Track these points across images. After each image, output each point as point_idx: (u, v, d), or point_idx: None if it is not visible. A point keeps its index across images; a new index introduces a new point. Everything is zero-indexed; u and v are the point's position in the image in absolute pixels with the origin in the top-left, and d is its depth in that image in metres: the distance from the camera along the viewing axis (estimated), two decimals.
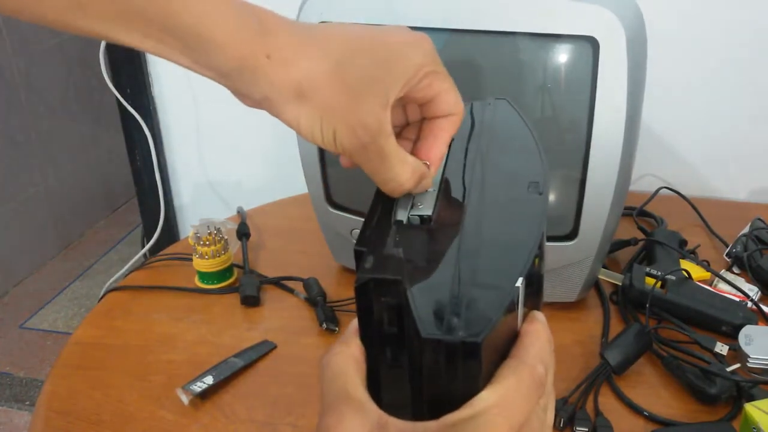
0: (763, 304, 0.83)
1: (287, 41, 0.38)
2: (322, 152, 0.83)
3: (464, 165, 0.45)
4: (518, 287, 0.34)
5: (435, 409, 0.33)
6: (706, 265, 0.90)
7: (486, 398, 0.32)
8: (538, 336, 0.37)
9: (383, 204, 0.41)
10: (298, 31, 0.39)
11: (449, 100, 0.42)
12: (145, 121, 1.39)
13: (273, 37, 0.37)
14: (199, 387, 0.73)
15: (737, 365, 0.72)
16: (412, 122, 0.44)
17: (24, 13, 0.36)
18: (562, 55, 0.72)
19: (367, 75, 0.38)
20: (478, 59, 0.75)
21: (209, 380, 0.74)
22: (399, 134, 0.44)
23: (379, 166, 0.40)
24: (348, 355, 0.35)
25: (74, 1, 0.35)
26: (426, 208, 0.40)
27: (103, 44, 1.35)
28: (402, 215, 0.40)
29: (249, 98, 0.39)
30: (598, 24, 0.69)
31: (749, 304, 0.82)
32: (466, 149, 0.46)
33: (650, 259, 0.91)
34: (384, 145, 0.39)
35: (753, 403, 0.63)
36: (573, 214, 0.76)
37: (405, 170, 0.40)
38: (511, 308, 0.34)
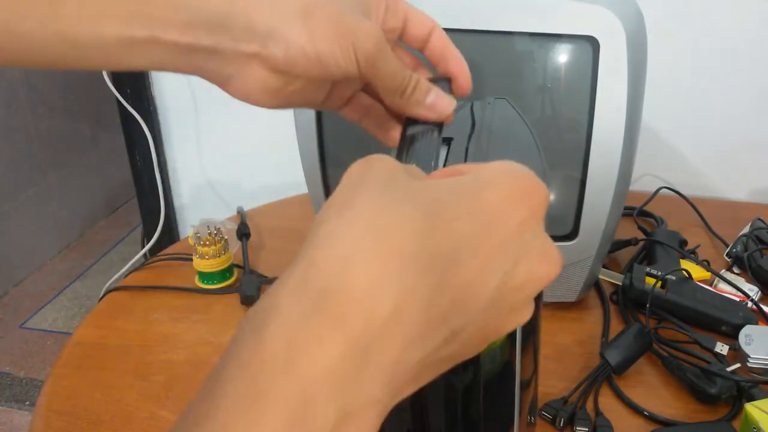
0: (763, 304, 0.83)
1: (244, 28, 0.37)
2: (322, 152, 0.83)
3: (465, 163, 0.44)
4: None
5: (434, 411, 0.33)
6: (706, 265, 0.90)
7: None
8: None
9: None
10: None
11: (419, 17, 0.43)
12: (145, 121, 1.39)
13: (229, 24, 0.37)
14: None
15: (737, 365, 0.72)
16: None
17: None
18: (562, 55, 0.72)
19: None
20: (478, 59, 0.75)
21: None
22: None
23: (398, 71, 0.40)
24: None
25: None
26: None
27: None
28: None
29: (248, 44, 0.37)
30: (598, 24, 0.69)
31: (749, 304, 0.82)
32: (466, 148, 0.46)
33: (650, 259, 0.91)
34: (391, 55, 0.40)
35: (753, 402, 0.63)
36: (573, 214, 0.76)
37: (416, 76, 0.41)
38: None
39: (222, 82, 0.39)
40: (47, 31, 0.35)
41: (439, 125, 0.42)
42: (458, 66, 0.44)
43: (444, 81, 0.44)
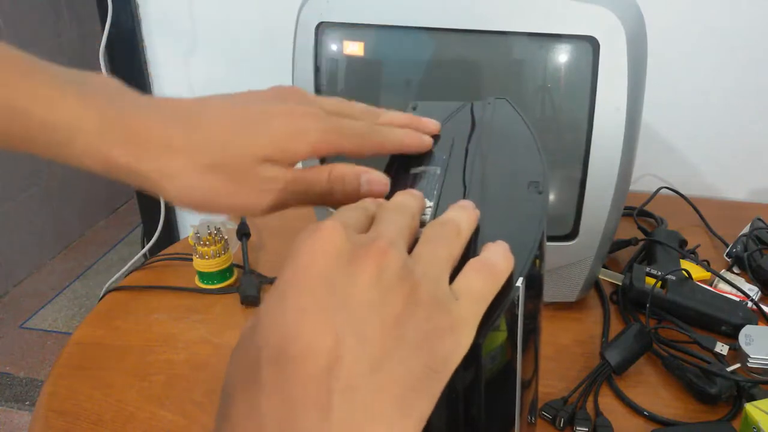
0: (763, 304, 0.83)
1: (158, 141, 0.39)
2: None
3: (464, 164, 0.45)
4: (518, 287, 0.34)
5: (435, 410, 0.33)
6: (706, 265, 0.90)
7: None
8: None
9: None
10: (172, 127, 0.40)
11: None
12: None
13: (143, 139, 0.39)
14: None
15: (737, 365, 0.72)
16: None
17: None
18: (562, 55, 0.72)
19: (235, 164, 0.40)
20: (478, 59, 0.75)
21: None
22: None
23: (313, 189, 0.44)
24: None
25: None
26: (427, 210, 0.40)
27: (103, 44, 1.35)
28: None
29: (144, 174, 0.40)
30: (598, 24, 0.69)
31: (749, 304, 0.82)
32: (466, 149, 0.46)
33: (650, 259, 0.91)
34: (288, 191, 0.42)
35: (753, 403, 0.63)
36: (573, 214, 0.76)
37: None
38: (512, 307, 0.34)
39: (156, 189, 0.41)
40: None
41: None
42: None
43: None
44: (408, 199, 0.36)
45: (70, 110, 0.38)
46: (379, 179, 0.42)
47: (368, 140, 0.44)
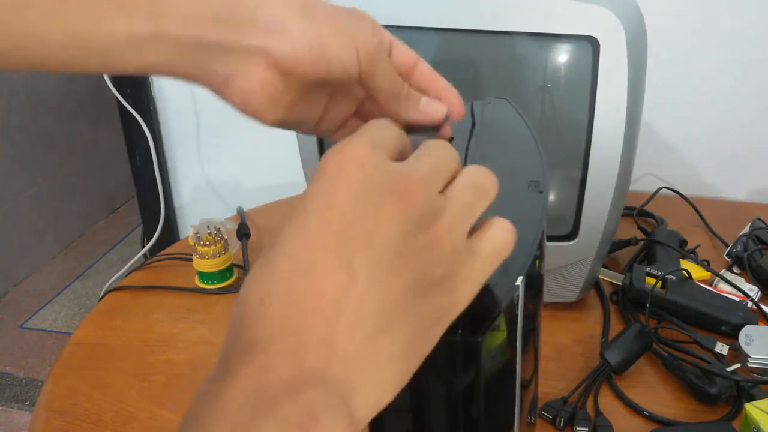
0: (763, 304, 0.83)
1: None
2: (322, 152, 0.83)
3: (464, 164, 0.45)
4: (518, 285, 0.34)
5: (435, 410, 0.33)
6: (706, 265, 0.90)
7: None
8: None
9: None
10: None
11: (403, 47, 0.43)
12: (145, 121, 1.39)
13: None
14: None
15: (737, 365, 0.72)
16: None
17: None
18: (562, 55, 0.72)
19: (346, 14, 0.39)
20: (478, 59, 0.75)
21: None
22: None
23: (395, 74, 0.40)
24: None
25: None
26: None
27: None
28: None
29: (254, 38, 0.36)
30: (598, 24, 0.69)
31: (749, 304, 0.82)
32: (467, 148, 0.46)
33: (650, 259, 0.91)
34: (386, 60, 0.40)
35: (753, 402, 0.63)
36: (573, 214, 0.76)
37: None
38: (511, 307, 0.34)
39: (222, 83, 0.39)
40: (47, 22, 0.34)
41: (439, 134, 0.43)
42: (449, 94, 0.43)
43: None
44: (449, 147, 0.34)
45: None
46: (438, 104, 0.42)
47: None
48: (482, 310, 0.32)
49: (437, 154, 0.30)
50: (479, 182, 0.31)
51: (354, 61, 0.38)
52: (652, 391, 0.72)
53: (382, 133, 0.31)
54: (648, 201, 1.07)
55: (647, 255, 0.93)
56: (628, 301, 0.84)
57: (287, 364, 0.25)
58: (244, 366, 0.25)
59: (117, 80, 1.39)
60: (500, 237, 0.31)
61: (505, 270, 0.34)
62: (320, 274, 0.26)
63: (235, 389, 0.25)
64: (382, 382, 0.27)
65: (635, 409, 0.70)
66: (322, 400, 0.25)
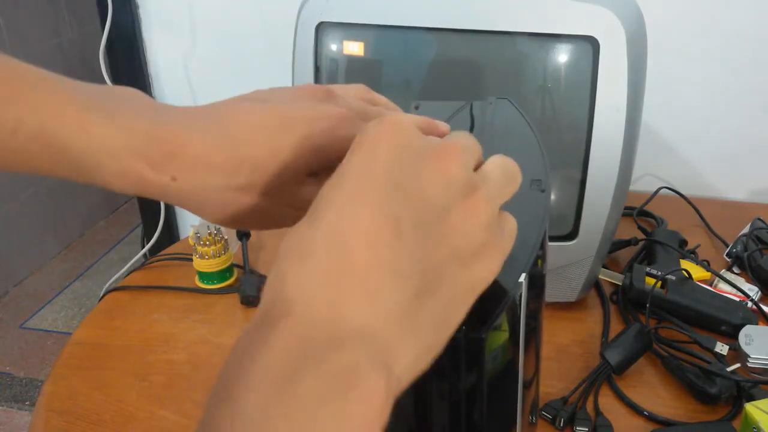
0: (763, 304, 0.83)
1: (194, 159, 0.37)
2: None
3: None
4: (521, 283, 0.34)
5: (437, 410, 0.33)
6: (706, 265, 0.90)
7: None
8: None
9: None
10: (207, 143, 0.37)
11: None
12: None
13: (179, 158, 0.36)
14: None
15: (737, 365, 0.72)
16: None
17: None
18: (562, 55, 0.72)
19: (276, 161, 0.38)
20: (478, 59, 0.75)
21: None
22: None
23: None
24: None
25: None
26: None
27: (103, 44, 1.35)
28: None
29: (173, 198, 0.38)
30: (598, 24, 0.69)
31: (749, 304, 0.82)
32: None
33: (650, 259, 0.91)
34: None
35: (753, 402, 0.63)
36: (573, 213, 0.76)
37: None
38: (514, 306, 0.34)
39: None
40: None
41: None
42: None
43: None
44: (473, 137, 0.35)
45: (99, 131, 0.36)
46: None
47: None
48: (486, 307, 0.32)
49: (465, 137, 0.31)
50: (509, 167, 0.32)
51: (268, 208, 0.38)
52: (652, 391, 0.72)
53: (412, 116, 0.32)
54: (648, 201, 1.07)
55: (647, 255, 0.93)
56: (628, 301, 0.84)
57: (329, 316, 0.25)
58: (286, 318, 0.25)
59: (117, 80, 1.39)
60: (513, 222, 0.32)
61: (508, 268, 0.34)
62: (366, 224, 0.25)
63: (277, 340, 0.24)
64: (419, 345, 0.27)
65: (635, 409, 0.70)
66: (363, 353, 0.24)
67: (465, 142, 0.30)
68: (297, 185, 0.38)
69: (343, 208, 0.26)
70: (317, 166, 0.38)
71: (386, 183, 0.26)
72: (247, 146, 0.37)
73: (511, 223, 0.31)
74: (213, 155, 0.37)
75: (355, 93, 0.43)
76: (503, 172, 0.31)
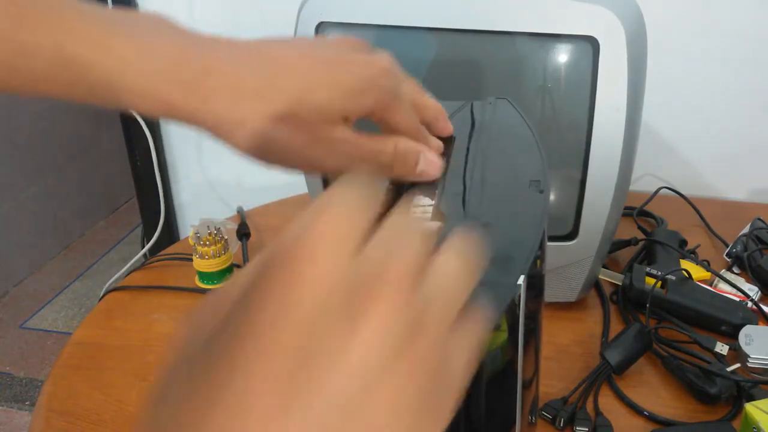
0: (763, 304, 0.83)
1: (228, 82, 0.35)
2: None
3: (465, 164, 0.45)
4: (520, 285, 0.34)
5: None
6: (706, 265, 0.90)
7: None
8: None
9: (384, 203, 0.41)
10: (243, 68, 0.36)
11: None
12: (145, 121, 1.39)
13: (212, 78, 0.35)
14: None
15: (737, 365, 0.72)
16: None
17: None
18: (562, 55, 0.72)
19: (317, 110, 0.37)
20: (478, 59, 0.75)
21: None
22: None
23: (370, 150, 0.40)
24: None
25: None
26: (428, 208, 0.40)
27: None
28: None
29: (204, 120, 0.37)
30: (598, 24, 0.69)
31: (749, 304, 0.82)
32: (467, 148, 0.46)
33: (650, 259, 0.91)
34: (361, 142, 0.39)
35: (753, 402, 0.63)
36: (573, 213, 0.76)
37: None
38: (513, 307, 0.34)
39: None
40: (39, 36, 0.34)
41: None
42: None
43: None
44: (418, 221, 0.30)
45: (125, 52, 0.34)
46: (436, 162, 0.40)
47: (414, 135, 0.41)
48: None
49: (408, 238, 0.23)
50: (458, 272, 0.24)
51: (301, 147, 0.37)
52: (652, 391, 0.72)
53: (361, 195, 0.23)
54: (648, 201, 1.07)
55: (647, 255, 0.93)
56: (628, 301, 0.84)
57: None
58: None
59: None
60: (467, 348, 0.24)
61: (507, 270, 0.34)
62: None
63: None
64: None
65: (635, 409, 0.70)
66: None
67: (412, 245, 0.22)
68: (330, 125, 0.37)
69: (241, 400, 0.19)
70: (352, 110, 0.38)
71: (288, 392, 0.19)
72: (284, 77, 0.36)
73: (470, 343, 0.24)
74: (249, 80, 0.35)
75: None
76: (457, 282, 0.24)
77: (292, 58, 0.37)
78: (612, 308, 0.85)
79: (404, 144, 0.40)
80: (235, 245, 0.96)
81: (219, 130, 0.36)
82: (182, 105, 0.35)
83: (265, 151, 0.37)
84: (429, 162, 0.41)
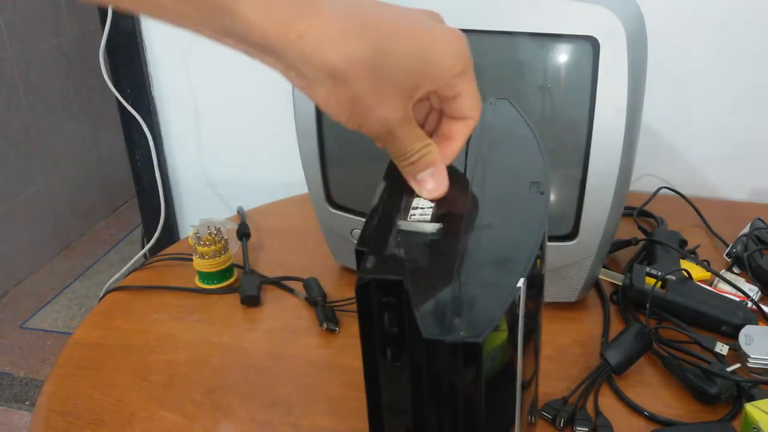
0: (763, 304, 0.83)
1: (326, 21, 0.36)
2: (322, 152, 0.83)
3: (465, 165, 0.45)
4: (520, 287, 0.34)
5: (436, 411, 0.33)
6: (706, 265, 0.90)
7: None
8: None
9: (384, 204, 0.41)
10: (341, 9, 0.37)
11: (468, 102, 0.43)
12: (145, 121, 1.39)
13: (311, 14, 0.36)
14: None
15: (737, 365, 0.72)
16: (434, 109, 0.46)
17: None
18: (562, 55, 0.72)
19: (402, 70, 0.38)
20: (478, 59, 0.74)
21: None
22: (421, 125, 0.44)
23: (398, 148, 0.41)
24: None
25: None
26: (427, 209, 0.40)
27: (103, 44, 1.35)
28: (404, 216, 0.40)
29: (280, 62, 0.38)
30: (598, 24, 0.69)
31: (749, 304, 0.82)
32: (467, 149, 0.46)
33: (650, 259, 0.91)
34: (402, 134, 0.40)
35: (753, 402, 0.63)
36: (573, 214, 0.76)
37: (417, 145, 0.42)
38: (513, 308, 0.34)
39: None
40: None
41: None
42: (448, 158, 0.44)
43: None
44: None
45: None
46: (443, 189, 0.42)
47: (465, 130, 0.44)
48: (484, 311, 0.32)
49: None
50: None
51: (368, 133, 0.39)
52: (652, 391, 0.72)
53: None
54: (648, 201, 1.07)
55: (647, 255, 0.93)
56: (628, 301, 0.84)
57: None
58: None
59: (117, 80, 1.39)
60: None
61: (507, 270, 0.34)
62: None
63: None
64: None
65: (635, 409, 0.70)
66: None
67: None
68: (405, 96, 0.39)
69: None
70: (425, 88, 0.40)
71: None
72: (379, 32, 0.37)
73: None
74: (347, 22, 0.36)
75: None
76: None
77: (400, 15, 0.39)
78: (612, 308, 0.85)
79: (429, 150, 0.42)
80: (235, 245, 0.96)
81: (305, 68, 0.37)
82: (277, 38, 0.36)
83: (341, 100, 0.38)
84: (441, 185, 0.42)
